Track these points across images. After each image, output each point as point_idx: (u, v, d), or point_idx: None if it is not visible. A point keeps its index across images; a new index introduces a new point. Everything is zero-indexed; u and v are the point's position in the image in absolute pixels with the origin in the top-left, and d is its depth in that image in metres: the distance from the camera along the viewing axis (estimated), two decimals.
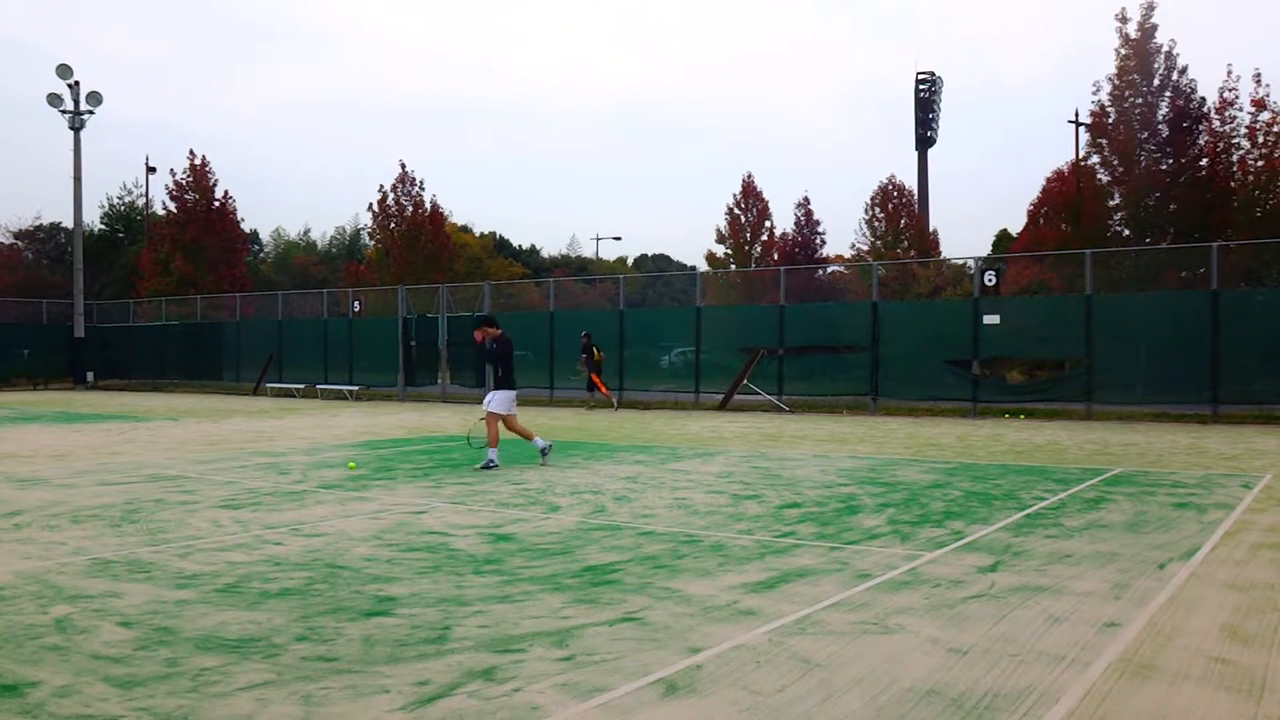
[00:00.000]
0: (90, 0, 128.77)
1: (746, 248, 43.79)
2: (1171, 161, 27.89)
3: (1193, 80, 28.15)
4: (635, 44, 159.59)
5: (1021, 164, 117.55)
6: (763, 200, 44.03)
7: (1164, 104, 28.07)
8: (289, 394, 30.52)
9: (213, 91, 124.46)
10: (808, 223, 44.57)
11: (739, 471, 10.72)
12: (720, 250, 44.30)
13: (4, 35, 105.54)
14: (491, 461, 10.90)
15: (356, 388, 28.88)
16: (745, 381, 22.65)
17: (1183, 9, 61.02)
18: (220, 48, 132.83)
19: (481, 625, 4.55)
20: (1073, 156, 32.80)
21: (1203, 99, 28.02)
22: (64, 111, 35.87)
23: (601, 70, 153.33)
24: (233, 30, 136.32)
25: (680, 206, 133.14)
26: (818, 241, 44.73)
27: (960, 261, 42.36)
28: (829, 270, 45.66)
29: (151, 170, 48.51)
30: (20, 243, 57.89)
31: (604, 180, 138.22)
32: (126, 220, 57.63)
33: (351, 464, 11.30)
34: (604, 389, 23.19)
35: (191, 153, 42.66)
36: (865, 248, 43.10)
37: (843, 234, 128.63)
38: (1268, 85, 26.73)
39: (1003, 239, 50.32)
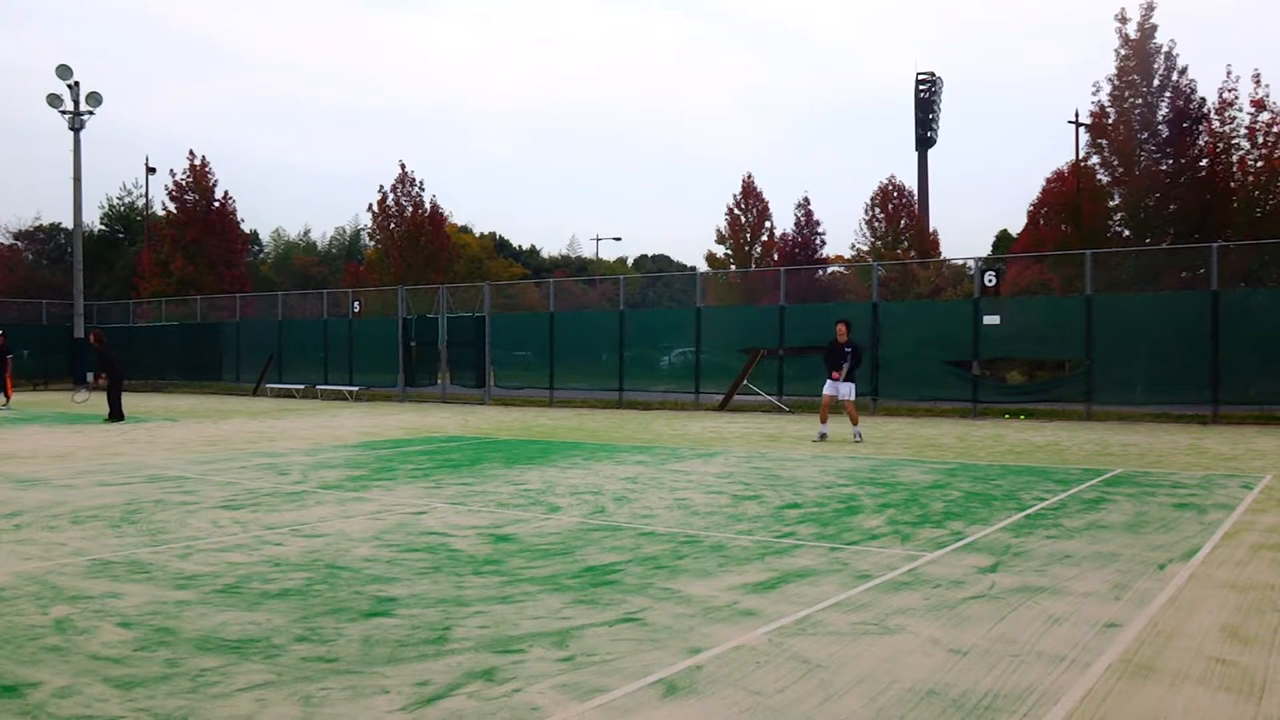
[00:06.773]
0: (92, 2, 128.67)
1: (746, 248, 43.80)
2: (1171, 162, 27.91)
3: (1192, 80, 28.21)
4: (632, 48, 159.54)
5: (1021, 164, 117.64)
6: (763, 201, 44.06)
7: (1164, 104, 28.08)
8: (289, 394, 30.52)
9: (213, 90, 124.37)
10: (808, 223, 44.58)
11: (739, 472, 10.72)
12: (720, 251, 44.33)
13: (4, 37, 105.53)
14: (858, 434, 14.59)
15: (356, 388, 28.88)
16: (745, 382, 22.65)
17: (1183, 9, 61.04)
18: (221, 47, 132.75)
19: (481, 626, 4.55)
20: (1073, 157, 32.83)
21: (1202, 99, 28.06)
22: (64, 112, 35.80)
23: (602, 71, 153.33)
24: (233, 30, 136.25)
25: (680, 207, 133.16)
26: (818, 242, 44.75)
27: (960, 262, 42.44)
28: (829, 271, 45.70)
29: (151, 171, 48.51)
30: (20, 243, 57.93)
31: (604, 180, 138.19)
32: (126, 221, 57.62)
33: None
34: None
35: (191, 153, 42.68)
36: (865, 248, 43.11)
37: (843, 234, 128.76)
38: (1267, 85, 26.81)
39: (1003, 239, 50.38)
